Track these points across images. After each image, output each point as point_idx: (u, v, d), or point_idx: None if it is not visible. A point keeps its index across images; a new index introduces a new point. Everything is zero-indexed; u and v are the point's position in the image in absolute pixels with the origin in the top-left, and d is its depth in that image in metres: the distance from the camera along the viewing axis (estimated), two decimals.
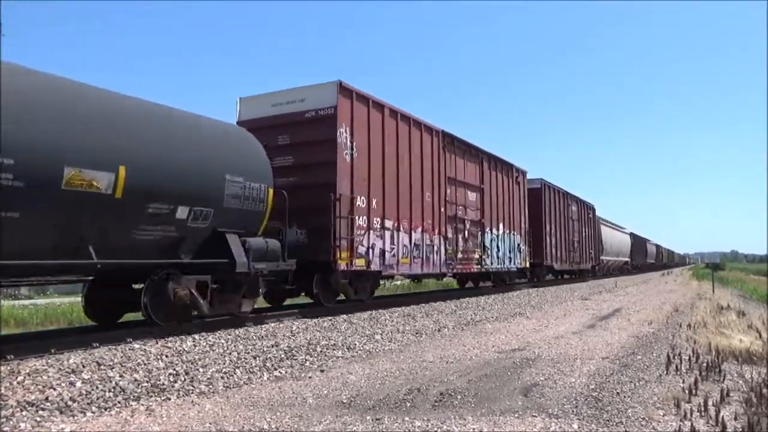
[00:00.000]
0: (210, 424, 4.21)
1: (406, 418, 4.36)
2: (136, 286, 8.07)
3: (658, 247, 75.48)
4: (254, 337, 7.39)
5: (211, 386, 5.32)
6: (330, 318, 9.44)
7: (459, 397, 5.03)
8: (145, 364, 5.61)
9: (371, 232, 11.26)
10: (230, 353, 6.42)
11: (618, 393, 5.23)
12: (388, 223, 11.83)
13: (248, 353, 6.51)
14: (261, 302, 10.67)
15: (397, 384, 5.52)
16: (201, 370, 5.68)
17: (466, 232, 15.54)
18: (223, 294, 8.39)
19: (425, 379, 5.70)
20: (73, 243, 6.46)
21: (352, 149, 10.81)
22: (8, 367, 5.07)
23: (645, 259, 58.37)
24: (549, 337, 8.82)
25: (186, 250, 7.84)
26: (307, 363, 6.50)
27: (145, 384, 5.08)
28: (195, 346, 6.58)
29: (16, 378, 4.82)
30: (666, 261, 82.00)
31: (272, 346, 6.94)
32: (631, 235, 49.09)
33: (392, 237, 11.96)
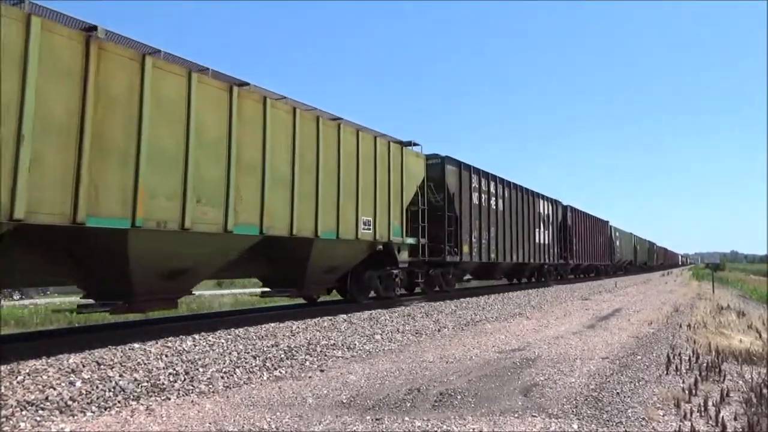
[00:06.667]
0: (210, 423, 4.21)
1: (406, 418, 4.36)
2: None
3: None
4: (254, 337, 7.39)
5: (211, 386, 5.32)
6: (330, 318, 9.44)
7: (459, 397, 5.03)
8: (145, 364, 5.60)
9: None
10: (230, 353, 6.42)
11: (618, 393, 5.23)
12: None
13: (248, 353, 6.51)
14: None
15: (397, 384, 5.52)
16: (201, 369, 5.68)
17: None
18: None
19: (425, 379, 5.70)
20: None
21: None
22: (8, 367, 5.07)
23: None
24: (549, 337, 8.82)
25: None
26: (307, 363, 6.50)
27: (145, 384, 5.07)
28: (195, 345, 6.58)
29: (16, 378, 4.82)
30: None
31: (272, 346, 6.94)
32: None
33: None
